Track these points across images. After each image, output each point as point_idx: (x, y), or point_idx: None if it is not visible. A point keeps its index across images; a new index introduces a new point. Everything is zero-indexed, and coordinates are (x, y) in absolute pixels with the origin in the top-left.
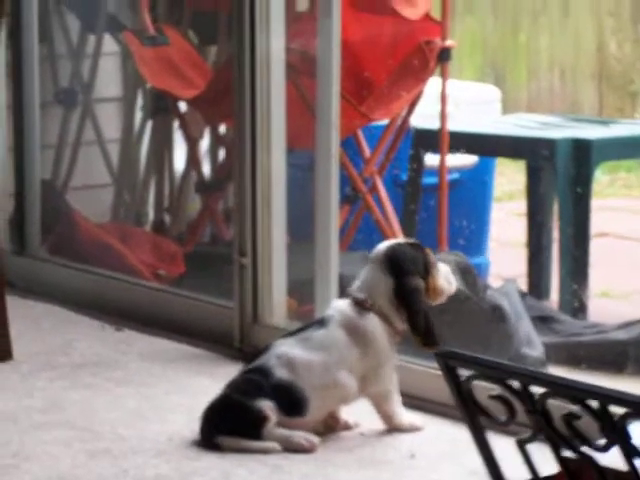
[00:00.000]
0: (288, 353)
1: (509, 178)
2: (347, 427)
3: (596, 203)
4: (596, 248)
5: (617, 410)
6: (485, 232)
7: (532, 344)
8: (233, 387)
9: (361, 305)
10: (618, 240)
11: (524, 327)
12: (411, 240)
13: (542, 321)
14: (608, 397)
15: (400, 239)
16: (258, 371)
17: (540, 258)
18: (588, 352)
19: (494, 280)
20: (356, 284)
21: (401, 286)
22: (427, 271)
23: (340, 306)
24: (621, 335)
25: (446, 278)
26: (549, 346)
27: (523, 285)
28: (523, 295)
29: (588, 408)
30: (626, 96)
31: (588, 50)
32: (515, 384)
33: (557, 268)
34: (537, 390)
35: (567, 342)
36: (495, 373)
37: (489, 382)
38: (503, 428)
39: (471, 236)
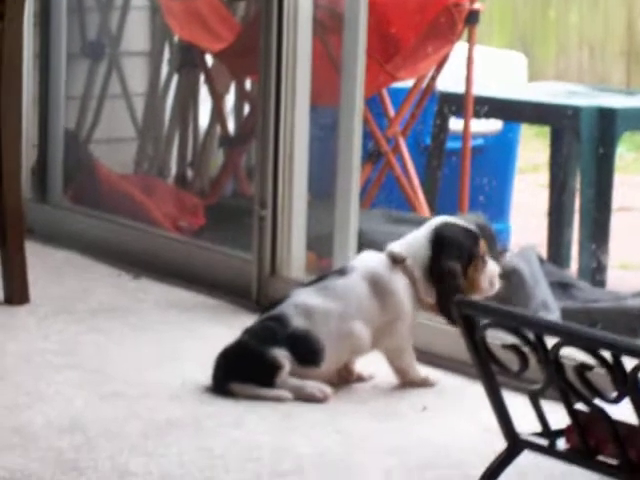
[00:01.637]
0: (306, 302)
1: (534, 151)
2: (361, 379)
3: (620, 179)
4: (618, 222)
5: (630, 362)
6: (507, 199)
7: (549, 308)
8: (250, 333)
9: (394, 259)
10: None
11: (541, 291)
12: (470, 224)
13: (560, 287)
14: (621, 348)
15: (460, 220)
16: (275, 319)
17: (561, 227)
18: (604, 318)
19: (514, 247)
20: (398, 242)
21: (437, 265)
22: (471, 261)
23: (366, 257)
24: (637, 303)
25: (490, 277)
26: (566, 311)
27: (544, 254)
28: (542, 261)
29: (601, 359)
30: None
31: (617, 28)
32: (529, 334)
33: (578, 237)
34: (551, 342)
35: (583, 308)
36: (509, 322)
37: (503, 331)
38: (515, 379)
39: (493, 202)
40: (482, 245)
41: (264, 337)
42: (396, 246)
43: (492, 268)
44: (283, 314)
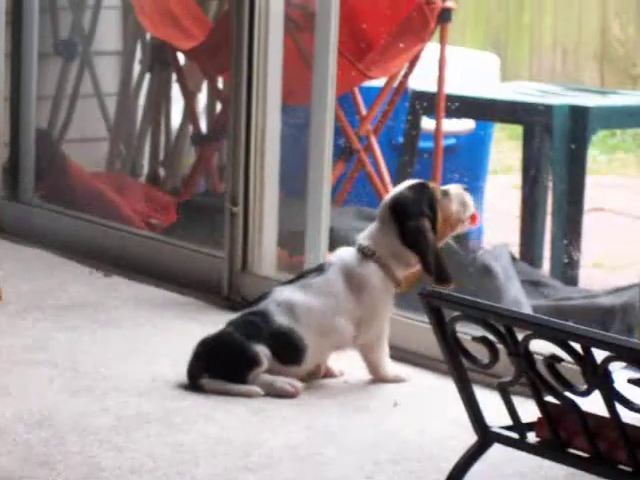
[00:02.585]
0: (288, 299)
1: (507, 152)
2: (330, 375)
3: (594, 180)
4: (592, 222)
5: (600, 355)
6: (480, 198)
7: (521, 306)
8: (234, 326)
9: (363, 252)
10: (614, 215)
11: (513, 289)
12: (414, 181)
13: (532, 285)
14: (591, 339)
15: (403, 184)
16: (259, 315)
17: (533, 225)
18: (576, 315)
19: (487, 247)
20: (363, 233)
21: (404, 230)
22: (433, 207)
23: (343, 253)
24: (609, 300)
25: (460, 202)
26: (537, 309)
27: (516, 253)
28: (514, 259)
29: (571, 351)
30: (628, 79)
31: (591, 31)
32: (499, 326)
33: (550, 236)
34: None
35: (555, 305)
36: (479, 314)
37: (472, 323)
38: (485, 371)
39: None
40: (433, 186)
41: (248, 331)
42: (364, 239)
43: (456, 192)
44: (266, 310)
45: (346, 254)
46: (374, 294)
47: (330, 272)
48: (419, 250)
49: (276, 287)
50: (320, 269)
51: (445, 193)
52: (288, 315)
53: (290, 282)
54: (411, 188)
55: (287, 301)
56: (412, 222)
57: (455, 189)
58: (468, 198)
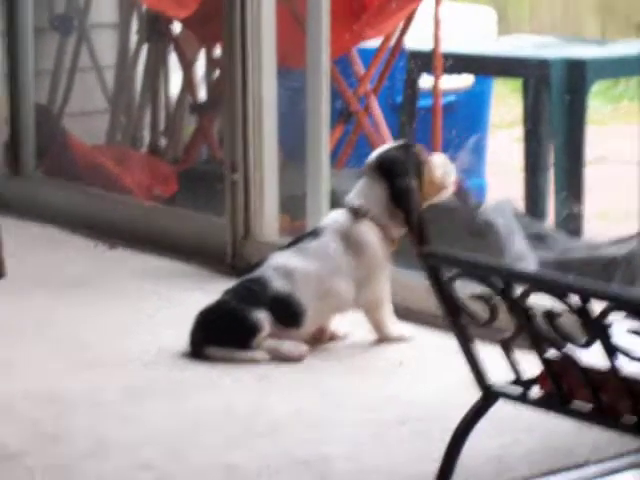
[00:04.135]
0: (285, 264)
1: (510, 106)
2: (334, 338)
3: (598, 130)
4: (596, 172)
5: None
6: (482, 154)
7: (525, 260)
8: (231, 294)
9: (356, 213)
10: (618, 165)
11: (517, 243)
12: (401, 142)
13: (536, 238)
14: (589, 291)
15: (390, 144)
16: (256, 282)
17: (536, 179)
18: (579, 267)
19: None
20: (352, 193)
21: (393, 189)
22: (419, 169)
23: (334, 216)
24: (612, 251)
25: (443, 170)
26: (543, 262)
27: (521, 208)
28: (517, 214)
29: (569, 303)
30: (630, 28)
31: None
32: (497, 283)
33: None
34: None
35: (560, 258)
36: (477, 271)
37: (471, 280)
38: (485, 328)
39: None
40: (419, 149)
41: (246, 298)
42: (351, 199)
43: (439, 160)
44: (263, 276)
45: (339, 216)
46: (372, 253)
47: (325, 235)
48: (404, 209)
49: (272, 253)
50: (315, 233)
51: (429, 158)
52: (286, 280)
53: (286, 247)
54: (398, 148)
55: (284, 266)
56: (400, 181)
57: (437, 157)
58: (450, 165)
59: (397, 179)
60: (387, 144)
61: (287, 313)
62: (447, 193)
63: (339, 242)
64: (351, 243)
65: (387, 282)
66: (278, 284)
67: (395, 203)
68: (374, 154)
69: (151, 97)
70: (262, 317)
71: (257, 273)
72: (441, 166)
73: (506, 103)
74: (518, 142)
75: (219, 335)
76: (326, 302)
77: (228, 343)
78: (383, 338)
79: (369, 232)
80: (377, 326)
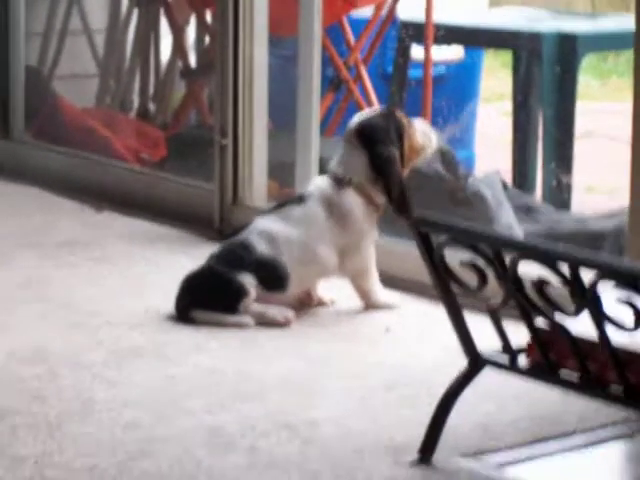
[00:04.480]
0: (269, 229)
1: (500, 79)
2: (322, 303)
3: (587, 106)
4: (585, 147)
5: (587, 276)
6: (472, 126)
7: (512, 231)
8: (216, 259)
9: (339, 181)
10: (608, 140)
11: (505, 215)
12: (382, 108)
13: (524, 211)
14: (578, 260)
15: (370, 109)
16: (240, 246)
17: (525, 151)
18: (567, 240)
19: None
20: (334, 161)
21: (374, 157)
22: (401, 134)
23: (319, 183)
24: (600, 224)
25: (424, 134)
26: (530, 234)
27: (509, 181)
28: (505, 186)
29: (559, 272)
30: (621, 1)
31: None
32: (487, 250)
33: (542, 162)
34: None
35: (547, 231)
36: (466, 237)
37: (460, 247)
38: (474, 296)
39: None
40: (400, 115)
41: (231, 262)
42: (334, 167)
43: (421, 126)
44: (247, 241)
45: (323, 183)
46: (356, 221)
47: (310, 202)
48: (385, 177)
49: (256, 217)
50: (299, 199)
51: (410, 123)
52: (269, 244)
53: (270, 212)
54: (380, 115)
55: (268, 231)
56: (381, 149)
57: (418, 123)
58: (432, 131)
59: (377, 147)
60: (367, 110)
61: (271, 277)
62: (427, 155)
63: (323, 210)
64: (334, 211)
65: (373, 250)
66: (262, 248)
67: (375, 171)
68: (354, 120)
69: (141, 62)
70: (247, 281)
71: (241, 237)
72: (421, 130)
73: (496, 76)
74: (507, 116)
75: (205, 300)
76: (309, 268)
77: (214, 307)
78: (370, 305)
79: (352, 201)
80: (363, 294)
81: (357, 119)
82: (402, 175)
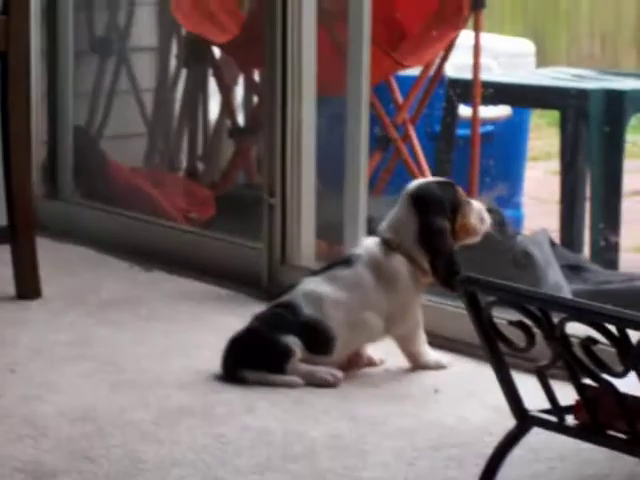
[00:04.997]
0: (316, 291)
1: (547, 138)
2: (371, 363)
3: (635, 164)
4: (632, 206)
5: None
6: (519, 185)
7: (561, 291)
8: (260, 320)
9: (388, 245)
10: None
11: (553, 274)
12: (441, 179)
13: (571, 269)
14: (626, 320)
15: (430, 178)
16: (286, 307)
17: (573, 210)
18: (615, 299)
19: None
20: (385, 223)
21: (425, 227)
22: (456, 210)
23: (368, 245)
24: None
25: (479, 216)
26: (577, 293)
27: (556, 240)
28: (553, 244)
29: (607, 333)
30: None
31: (629, 16)
32: (535, 310)
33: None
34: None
35: (595, 290)
36: (514, 298)
37: (508, 307)
38: (522, 355)
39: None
40: (459, 190)
41: (275, 324)
42: (384, 230)
43: (477, 206)
44: (293, 302)
45: (371, 246)
46: (404, 288)
47: (358, 265)
48: (432, 250)
49: (303, 278)
50: (348, 261)
51: (468, 202)
52: (316, 307)
53: (317, 273)
54: (438, 185)
55: (315, 293)
56: (433, 220)
57: (476, 203)
58: (486, 214)
59: (429, 217)
60: (427, 177)
61: (317, 340)
62: (477, 239)
63: (371, 273)
64: (383, 276)
65: (420, 314)
66: (308, 310)
67: (424, 241)
68: (412, 185)
69: (189, 121)
70: (292, 342)
71: (287, 298)
72: (477, 211)
73: (543, 135)
74: (554, 174)
75: (251, 360)
76: (356, 332)
77: (261, 368)
78: (419, 367)
79: (400, 266)
80: (411, 356)
81: (415, 184)
82: (451, 249)
